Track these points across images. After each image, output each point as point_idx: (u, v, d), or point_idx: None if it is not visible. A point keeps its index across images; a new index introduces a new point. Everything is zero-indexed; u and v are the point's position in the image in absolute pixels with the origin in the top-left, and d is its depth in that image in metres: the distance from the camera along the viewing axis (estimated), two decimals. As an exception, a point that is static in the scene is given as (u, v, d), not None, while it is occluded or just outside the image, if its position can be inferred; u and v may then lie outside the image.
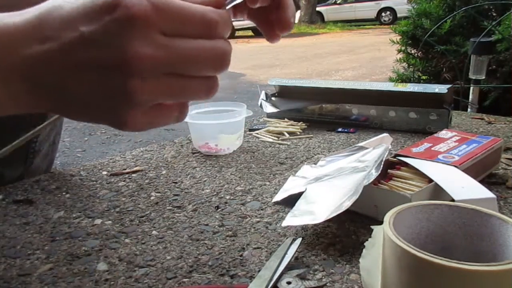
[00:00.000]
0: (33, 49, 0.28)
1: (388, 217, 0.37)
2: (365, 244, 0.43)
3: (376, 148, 0.67)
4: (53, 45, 0.28)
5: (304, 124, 1.08)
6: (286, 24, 0.38)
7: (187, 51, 0.29)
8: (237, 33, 12.13)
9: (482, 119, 1.11)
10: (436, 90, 0.96)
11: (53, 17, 0.28)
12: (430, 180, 0.58)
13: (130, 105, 0.29)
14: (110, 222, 0.62)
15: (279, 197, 0.67)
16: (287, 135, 1.02)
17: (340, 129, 1.05)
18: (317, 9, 13.92)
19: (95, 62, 0.28)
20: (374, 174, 0.57)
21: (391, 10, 12.59)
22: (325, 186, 0.63)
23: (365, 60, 5.75)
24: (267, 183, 0.75)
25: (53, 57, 0.28)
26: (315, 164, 0.77)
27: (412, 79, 1.82)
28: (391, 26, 2.00)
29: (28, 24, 0.28)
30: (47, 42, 0.28)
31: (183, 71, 0.30)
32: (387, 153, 0.62)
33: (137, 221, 0.62)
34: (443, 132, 0.77)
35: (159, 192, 0.72)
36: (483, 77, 1.54)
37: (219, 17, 0.30)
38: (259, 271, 0.47)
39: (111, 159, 0.90)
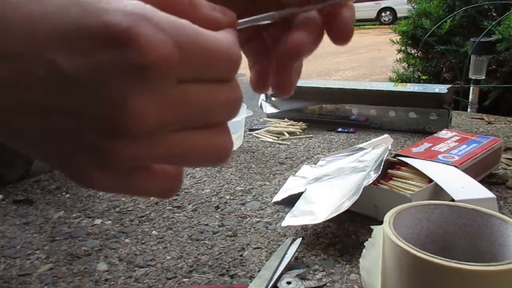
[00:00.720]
0: None
1: (388, 217, 0.37)
2: (365, 244, 0.43)
3: (375, 148, 0.67)
4: (11, 68, 0.18)
5: (304, 124, 1.08)
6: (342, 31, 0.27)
7: (202, 104, 0.21)
8: (237, 33, 12.12)
9: (482, 119, 1.11)
10: (436, 90, 0.96)
11: (13, 27, 0.18)
12: (430, 180, 0.58)
13: (103, 168, 0.21)
14: (110, 222, 0.62)
15: (279, 197, 0.67)
16: (287, 135, 1.02)
17: (340, 129, 1.05)
18: (317, 9, 13.93)
19: (67, 113, 0.19)
20: (374, 175, 0.57)
21: (391, 10, 12.59)
22: (325, 186, 0.63)
23: (365, 60, 5.75)
24: (267, 183, 0.75)
25: (5, 85, 0.18)
26: (315, 164, 0.77)
27: (412, 79, 1.82)
28: (391, 26, 2.00)
29: None
30: (3, 63, 0.18)
31: (190, 125, 0.21)
32: (387, 153, 0.62)
33: (137, 221, 0.62)
34: (443, 132, 0.77)
35: (159, 192, 0.72)
36: (483, 77, 1.54)
37: (239, 52, 0.22)
38: (259, 271, 0.47)
39: (111, 159, 0.90)
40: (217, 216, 0.63)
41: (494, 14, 1.68)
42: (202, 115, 0.21)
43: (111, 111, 0.18)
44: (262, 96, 1.19)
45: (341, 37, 0.27)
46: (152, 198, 0.69)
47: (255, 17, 0.25)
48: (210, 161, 0.23)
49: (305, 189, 0.63)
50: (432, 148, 0.69)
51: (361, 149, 0.71)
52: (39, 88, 0.18)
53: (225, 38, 0.21)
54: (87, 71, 0.18)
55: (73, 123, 0.19)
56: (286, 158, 0.87)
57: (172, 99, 0.19)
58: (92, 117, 0.19)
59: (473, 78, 1.54)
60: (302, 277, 0.46)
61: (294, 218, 0.57)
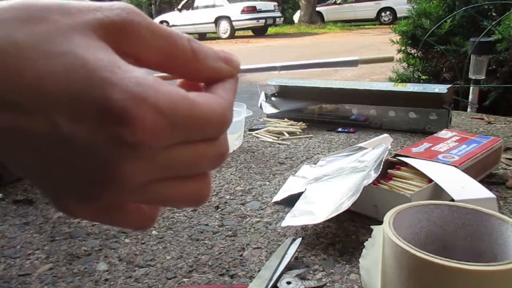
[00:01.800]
0: None
1: (388, 217, 0.37)
2: (365, 244, 0.43)
3: (375, 148, 0.67)
4: (13, 119, 0.19)
5: (304, 124, 1.08)
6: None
7: (188, 162, 0.22)
8: (237, 33, 12.13)
9: (482, 119, 1.11)
10: (436, 90, 0.96)
11: (23, 81, 0.19)
12: (430, 180, 0.58)
13: (87, 203, 0.22)
14: (110, 222, 0.62)
15: (279, 197, 0.67)
16: (287, 135, 1.02)
17: (340, 129, 1.05)
18: (317, 9, 13.92)
19: (59, 163, 0.20)
20: (374, 175, 0.57)
21: (391, 10, 12.59)
22: (325, 186, 0.63)
23: (365, 60, 5.75)
24: (267, 183, 0.75)
25: (6, 131, 0.19)
26: (315, 164, 0.77)
27: (412, 79, 1.82)
28: (391, 26, 2.00)
29: None
30: (7, 112, 0.19)
31: (175, 177, 0.23)
32: (386, 154, 0.62)
33: (137, 221, 0.62)
34: (443, 132, 0.77)
35: (159, 192, 0.72)
36: (483, 77, 1.54)
37: (231, 115, 0.23)
38: (259, 271, 0.47)
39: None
40: (217, 216, 0.63)
41: (494, 14, 1.68)
42: (188, 170, 0.23)
43: (101, 171, 0.20)
44: (262, 96, 1.19)
45: None
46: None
47: (255, 66, 0.27)
48: (187, 205, 0.25)
49: (305, 189, 0.63)
50: (432, 148, 0.69)
51: (361, 149, 0.71)
52: (38, 139, 0.20)
53: (219, 104, 0.22)
54: (85, 138, 0.19)
55: (66, 171, 0.21)
56: (286, 158, 0.87)
57: (160, 162, 0.21)
58: (84, 170, 0.20)
59: (473, 78, 1.54)
60: (302, 277, 0.46)
61: (294, 218, 0.57)
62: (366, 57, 0.25)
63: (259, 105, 1.18)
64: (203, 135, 0.22)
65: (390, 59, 0.25)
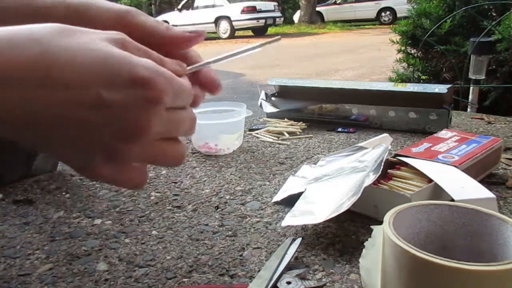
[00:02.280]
0: (37, 93, 0.27)
1: (388, 217, 0.37)
2: (365, 244, 0.43)
3: (375, 148, 0.67)
4: (61, 96, 0.27)
5: (304, 124, 1.08)
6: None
7: (178, 122, 0.32)
8: (237, 33, 12.13)
9: (482, 119, 1.11)
10: (436, 90, 0.96)
11: (64, 64, 0.27)
12: (430, 180, 0.58)
13: (110, 162, 0.30)
14: (110, 222, 0.62)
15: (279, 197, 0.67)
16: (287, 135, 1.02)
17: (340, 129, 1.05)
18: (317, 9, 13.92)
19: (101, 125, 0.28)
20: (375, 175, 0.57)
21: (391, 10, 12.59)
22: (325, 186, 0.63)
23: (365, 60, 5.74)
24: (267, 183, 0.75)
25: (56, 107, 0.27)
26: (315, 164, 0.77)
27: (412, 79, 1.81)
28: (391, 26, 2.00)
29: (33, 64, 0.27)
30: (57, 91, 0.27)
31: (165, 136, 0.32)
32: (387, 154, 0.62)
33: (137, 221, 0.62)
34: (443, 132, 0.77)
35: (159, 192, 0.72)
36: (483, 77, 1.54)
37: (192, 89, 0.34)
38: (259, 271, 0.47)
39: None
40: (217, 216, 0.63)
41: (494, 14, 1.68)
42: (174, 129, 0.33)
43: (131, 124, 0.29)
44: (262, 95, 1.19)
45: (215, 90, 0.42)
46: (152, 198, 0.69)
47: (196, 65, 0.38)
48: (172, 163, 0.34)
49: (305, 189, 0.63)
50: (432, 148, 0.69)
51: (361, 149, 0.71)
52: (86, 109, 0.28)
53: (186, 81, 0.33)
54: (121, 101, 0.28)
55: (104, 133, 0.29)
56: (286, 158, 0.87)
57: (163, 118, 0.30)
58: (116, 128, 0.29)
59: (473, 78, 1.54)
60: (302, 277, 0.46)
61: (294, 218, 0.57)
62: (260, 43, 0.37)
63: (259, 104, 1.18)
64: (182, 102, 0.33)
65: (278, 39, 0.38)
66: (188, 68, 0.37)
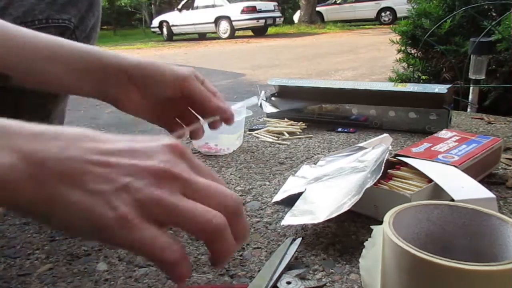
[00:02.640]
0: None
1: (388, 217, 0.37)
2: (365, 244, 0.43)
3: (375, 148, 0.67)
4: None
5: (304, 124, 1.08)
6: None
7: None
8: (237, 33, 12.13)
9: (482, 119, 1.11)
10: (436, 90, 0.96)
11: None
12: (430, 180, 0.58)
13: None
14: (110, 222, 0.62)
15: (278, 197, 0.67)
16: (287, 135, 1.02)
17: (340, 129, 1.05)
18: (317, 9, 13.92)
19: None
20: (376, 176, 0.56)
21: (391, 10, 12.59)
22: (325, 186, 0.63)
23: (365, 60, 5.74)
24: (267, 183, 0.75)
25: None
26: (315, 164, 0.77)
27: (412, 79, 1.81)
28: (391, 26, 2.00)
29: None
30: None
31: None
32: (387, 154, 0.62)
33: (137, 221, 0.62)
34: (443, 132, 0.77)
35: (159, 192, 0.72)
36: (483, 77, 1.53)
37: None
38: (259, 271, 0.47)
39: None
40: (217, 216, 0.63)
41: (494, 14, 1.68)
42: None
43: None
44: (262, 95, 1.19)
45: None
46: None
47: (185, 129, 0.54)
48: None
49: (305, 189, 0.63)
50: (432, 148, 0.69)
51: (361, 149, 0.71)
52: None
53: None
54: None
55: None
56: (286, 158, 0.87)
57: None
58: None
59: (473, 78, 1.54)
60: (302, 277, 0.46)
61: (294, 218, 0.57)
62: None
63: (259, 104, 1.18)
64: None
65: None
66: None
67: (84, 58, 0.52)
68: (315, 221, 0.54)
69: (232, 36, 11.74)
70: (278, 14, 12.49)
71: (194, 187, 0.32)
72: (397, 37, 1.90)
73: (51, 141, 0.30)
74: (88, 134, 0.31)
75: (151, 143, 0.32)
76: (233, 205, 0.33)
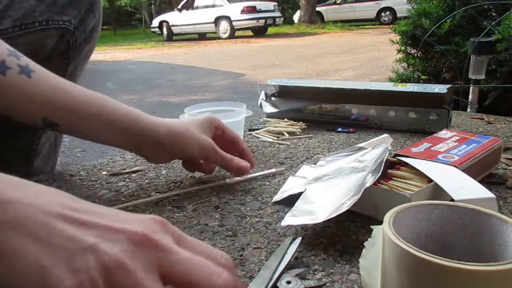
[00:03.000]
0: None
1: (388, 217, 0.37)
2: (365, 244, 0.43)
3: (375, 148, 0.67)
4: None
5: (304, 124, 1.08)
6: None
7: None
8: (237, 33, 12.13)
9: (481, 119, 1.11)
10: (436, 90, 0.96)
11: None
12: (430, 180, 0.58)
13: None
14: (110, 222, 0.62)
15: (278, 197, 0.67)
16: (287, 135, 1.02)
17: (340, 129, 1.05)
18: (317, 9, 13.92)
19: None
20: (376, 176, 0.56)
21: (391, 10, 12.60)
22: (325, 186, 0.63)
23: (365, 60, 5.74)
24: (267, 183, 0.75)
25: None
26: (314, 164, 0.77)
27: (411, 79, 1.81)
28: (391, 26, 1.99)
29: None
30: None
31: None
32: (387, 154, 0.62)
33: (137, 221, 0.62)
34: (443, 132, 0.77)
35: (159, 192, 0.72)
36: (483, 77, 1.53)
37: None
38: (259, 270, 0.47)
39: (110, 159, 0.90)
40: (217, 216, 0.63)
41: (494, 14, 1.68)
42: None
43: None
44: (262, 95, 1.19)
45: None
46: (152, 197, 0.69)
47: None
48: None
49: (305, 189, 0.63)
50: (432, 148, 0.69)
51: (361, 149, 0.71)
52: None
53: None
54: None
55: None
56: (286, 158, 0.87)
57: None
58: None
59: (473, 78, 1.54)
60: (302, 277, 0.46)
61: (294, 218, 0.57)
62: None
63: (258, 104, 1.18)
64: None
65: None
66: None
67: (123, 119, 0.62)
68: (315, 221, 0.54)
69: (232, 36, 11.74)
70: (278, 14, 12.50)
71: (174, 259, 0.28)
72: (397, 37, 1.90)
73: (23, 186, 0.27)
74: (68, 195, 0.29)
75: (134, 215, 0.30)
76: (222, 284, 0.29)
